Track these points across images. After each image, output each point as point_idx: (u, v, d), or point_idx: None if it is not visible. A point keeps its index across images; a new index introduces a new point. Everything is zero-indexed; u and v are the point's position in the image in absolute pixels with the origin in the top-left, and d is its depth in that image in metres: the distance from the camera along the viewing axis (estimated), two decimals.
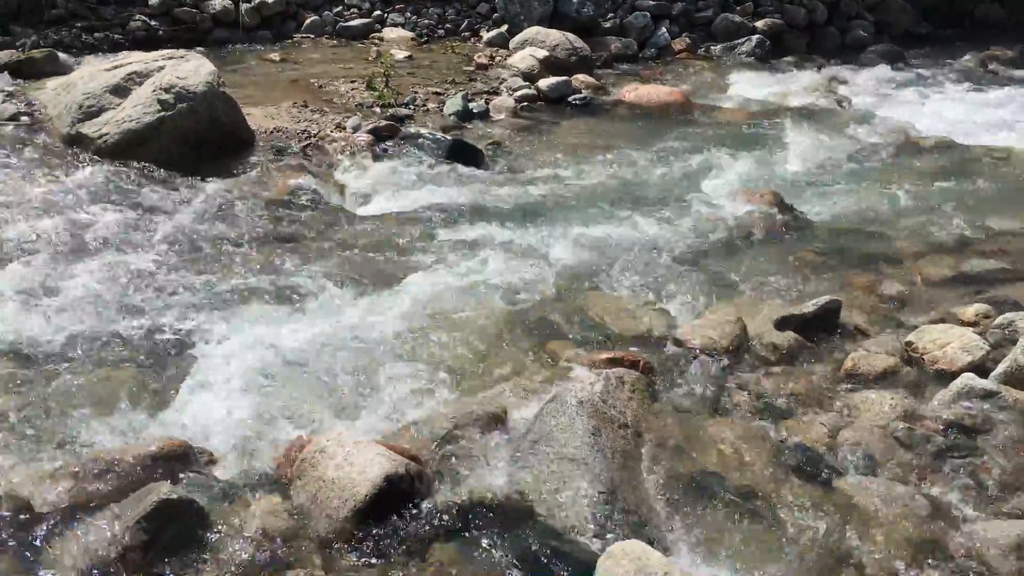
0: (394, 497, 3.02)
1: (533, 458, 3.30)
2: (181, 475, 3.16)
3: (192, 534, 2.87)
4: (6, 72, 8.14)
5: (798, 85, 9.90)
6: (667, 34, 11.17)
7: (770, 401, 3.89)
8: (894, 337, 4.43)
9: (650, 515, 3.13)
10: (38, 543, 2.83)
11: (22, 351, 4.01)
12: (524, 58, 9.49)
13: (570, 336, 4.48)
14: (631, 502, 3.12)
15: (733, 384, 4.02)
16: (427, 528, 3.01)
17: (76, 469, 3.09)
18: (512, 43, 10.16)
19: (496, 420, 3.64)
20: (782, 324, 4.46)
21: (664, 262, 5.40)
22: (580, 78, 9.14)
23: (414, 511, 3.05)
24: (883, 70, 10.94)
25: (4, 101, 7.28)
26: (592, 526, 2.97)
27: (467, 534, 3.00)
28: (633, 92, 9.03)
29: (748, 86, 9.81)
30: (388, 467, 3.04)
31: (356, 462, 3.06)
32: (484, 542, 2.97)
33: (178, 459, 3.22)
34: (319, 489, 3.05)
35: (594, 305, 4.79)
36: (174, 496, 2.88)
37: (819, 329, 4.48)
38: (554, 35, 9.86)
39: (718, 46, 11.31)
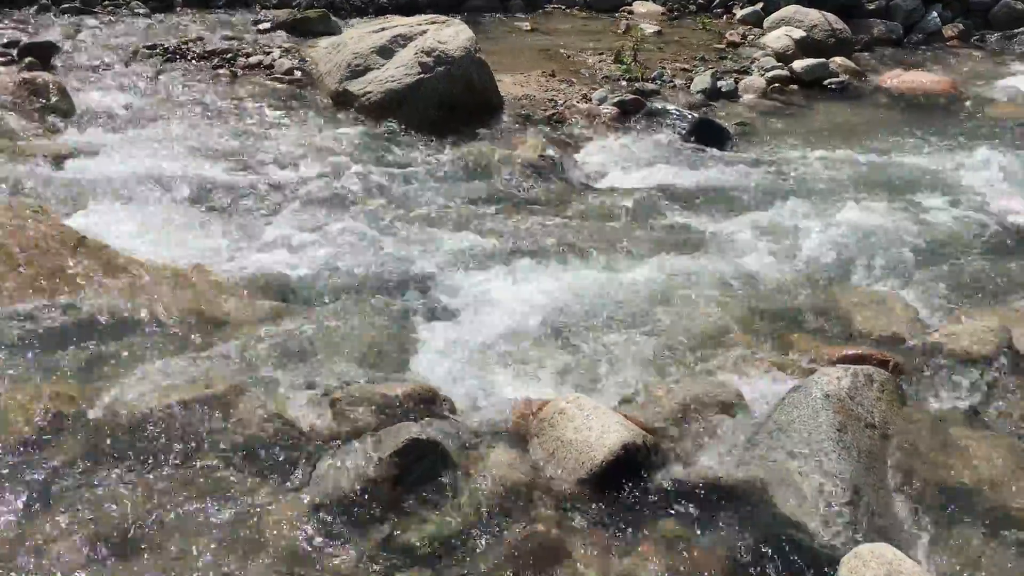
0: (629, 466, 3.04)
1: (772, 446, 3.22)
2: (427, 418, 3.31)
3: (436, 474, 3.02)
4: (284, 30, 8.78)
5: None
6: (938, 19, 10.40)
7: None
8: None
9: (894, 521, 2.98)
10: (302, 462, 3.08)
11: (290, 290, 4.32)
12: (779, 37, 9.14)
13: (812, 327, 4.32)
14: (875, 505, 2.98)
15: (995, 397, 3.72)
16: (659, 501, 3.01)
17: (335, 400, 3.32)
18: (767, 22, 9.82)
19: (732, 404, 3.58)
20: None
21: (919, 260, 5.08)
22: (838, 61, 8.69)
23: (647, 483, 3.06)
24: None
25: (281, 57, 7.87)
26: (833, 524, 2.86)
27: (699, 513, 2.97)
28: (895, 78, 8.50)
29: None
30: (626, 436, 3.07)
31: (594, 427, 3.10)
32: (716, 523, 2.94)
33: (425, 403, 3.38)
34: (556, 449, 3.11)
35: (839, 298, 4.59)
36: (423, 436, 3.04)
37: None
38: (813, 15, 9.42)
39: (995, 35, 10.41)
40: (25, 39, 7.45)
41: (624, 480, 3.03)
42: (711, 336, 4.14)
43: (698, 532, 2.91)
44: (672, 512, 2.98)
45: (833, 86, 8.32)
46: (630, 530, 2.90)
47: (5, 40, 7.44)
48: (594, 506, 2.97)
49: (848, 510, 2.90)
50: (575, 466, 3.04)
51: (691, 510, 2.99)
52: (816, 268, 4.87)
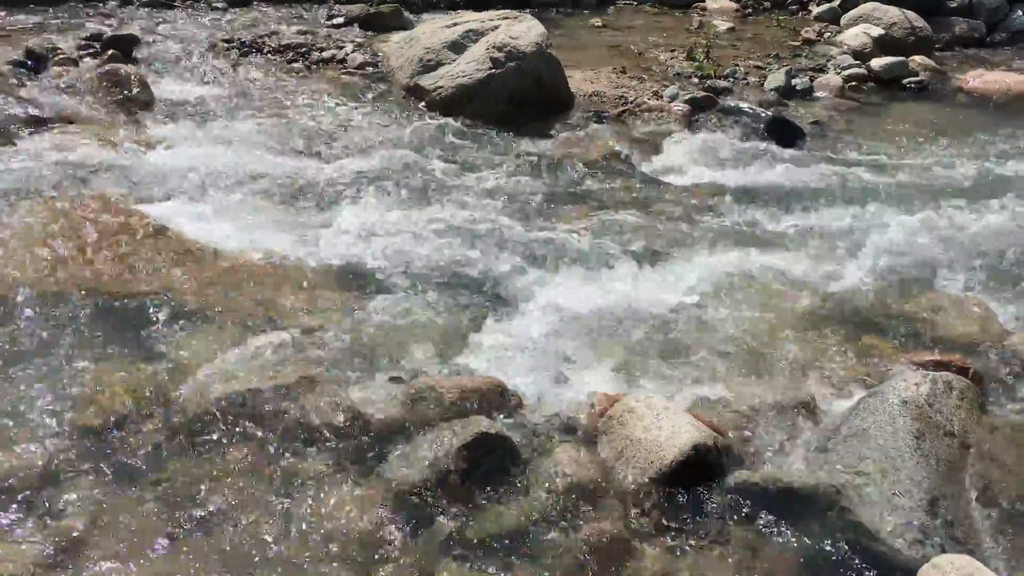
0: (700, 467, 3.01)
1: (845, 452, 3.15)
2: (495, 412, 3.32)
3: (504, 469, 3.02)
4: (357, 24, 8.88)
5: None
6: (1023, 17, 10.08)
7: None
8: None
9: (973, 533, 2.89)
10: (371, 451, 3.11)
11: (358, 281, 4.36)
12: (856, 35, 8.95)
13: (887, 332, 4.22)
14: (953, 515, 2.89)
15: None
16: (729, 505, 2.97)
17: (406, 391, 3.35)
18: (844, 19, 9.62)
19: (804, 408, 3.52)
20: None
21: (1000, 265, 4.93)
22: (917, 60, 8.47)
23: (718, 485, 3.02)
24: None
25: (354, 51, 7.95)
26: (909, 533, 2.79)
27: (771, 518, 2.92)
28: (978, 78, 8.25)
29: None
30: (697, 436, 3.03)
31: (664, 426, 3.07)
32: (787, 528, 2.89)
33: (493, 397, 3.38)
34: (625, 447, 3.09)
35: (917, 302, 4.48)
36: (492, 431, 3.05)
37: None
38: (892, 12, 9.20)
39: None
40: (108, 32, 7.64)
41: (695, 481, 3.00)
42: (784, 338, 4.08)
43: (769, 538, 2.86)
44: (743, 516, 2.94)
45: (912, 85, 8.11)
46: (699, 532, 2.87)
47: (89, 33, 7.64)
48: (663, 507, 2.95)
49: (926, 520, 2.83)
50: (644, 465, 3.01)
51: (762, 515, 2.94)
52: (893, 271, 4.76)
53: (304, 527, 2.82)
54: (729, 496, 3.00)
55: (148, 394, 3.36)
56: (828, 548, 2.81)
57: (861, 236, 5.11)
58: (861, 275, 4.68)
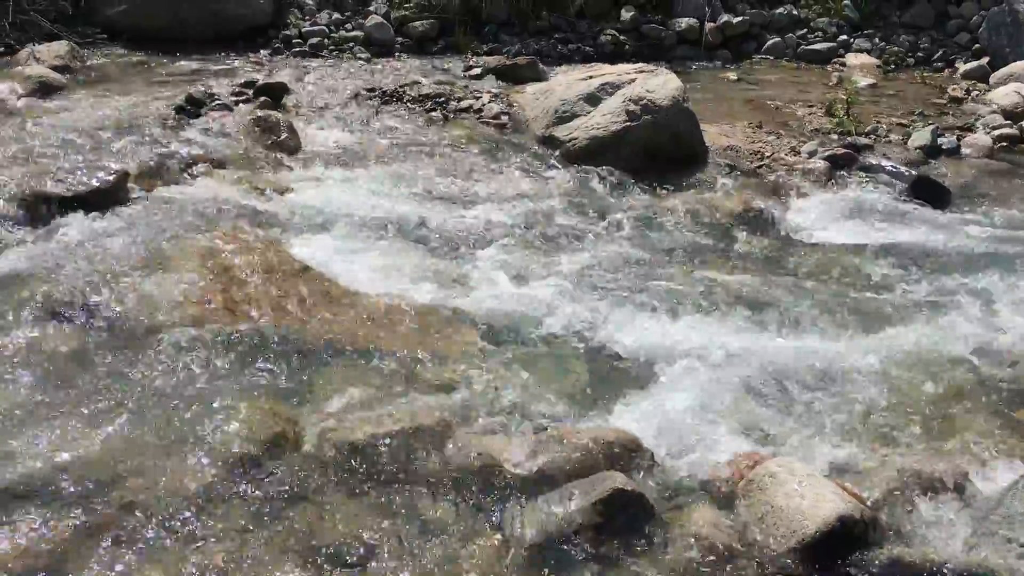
0: (845, 540, 2.88)
1: (1001, 536, 2.96)
2: (629, 468, 3.26)
3: (639, 527, 2.96)
4: (493, 76, 9.06)
5: None
6: None
7: None
8: None
9: None
10: (502, 499, 3.11)
11: (494, 328, 4.37)
12: (1007, 94, 8.58)
13: None
14: None
15: None
16: None
17: (539, 442, 3.34)
18: (993, 77, 9.25)
19: (956, 484, 3.33)
20: None
21: None
22: None
23: (864, 561, 2.88)
24: None
25: (490, 101, 8.10)
26: None
27: None
28: None
29: None
30: (842, 508, 2.90)
31: (808, 495, 2.96)
32: None
33: (627, 452, 3.33)
34: (765, 513, 2.99)
35: None
36: (628, 487, 2.99)
37: None
38: None
39: None
40: (260, 80, 8.03)
41: (838, 556, 2.87)
42: (931, 410, 3.89)
43: None
44: None
45: None
46: None
47: (243, 80, 8.04)
48: None
49: None
50: (785, 534, 2.90)
51: None
52: None
53: (433, 572, 2.82)
54: (876, 573, 2.85)
55: (285, 432, 3.44)
56: None
57: (1019, 305, 4.85)
58: (1019, 345, 4.42)
